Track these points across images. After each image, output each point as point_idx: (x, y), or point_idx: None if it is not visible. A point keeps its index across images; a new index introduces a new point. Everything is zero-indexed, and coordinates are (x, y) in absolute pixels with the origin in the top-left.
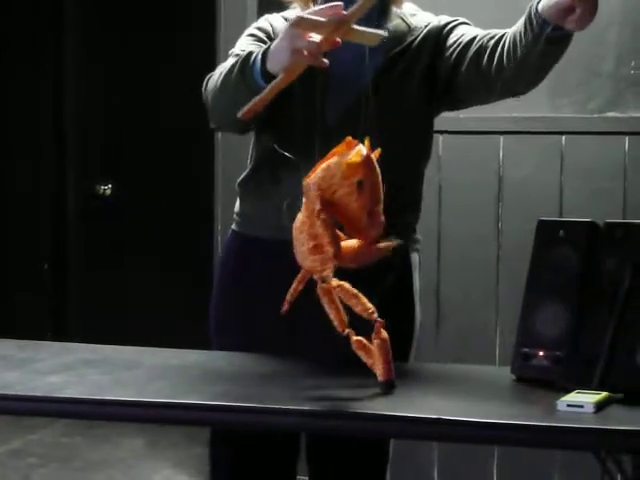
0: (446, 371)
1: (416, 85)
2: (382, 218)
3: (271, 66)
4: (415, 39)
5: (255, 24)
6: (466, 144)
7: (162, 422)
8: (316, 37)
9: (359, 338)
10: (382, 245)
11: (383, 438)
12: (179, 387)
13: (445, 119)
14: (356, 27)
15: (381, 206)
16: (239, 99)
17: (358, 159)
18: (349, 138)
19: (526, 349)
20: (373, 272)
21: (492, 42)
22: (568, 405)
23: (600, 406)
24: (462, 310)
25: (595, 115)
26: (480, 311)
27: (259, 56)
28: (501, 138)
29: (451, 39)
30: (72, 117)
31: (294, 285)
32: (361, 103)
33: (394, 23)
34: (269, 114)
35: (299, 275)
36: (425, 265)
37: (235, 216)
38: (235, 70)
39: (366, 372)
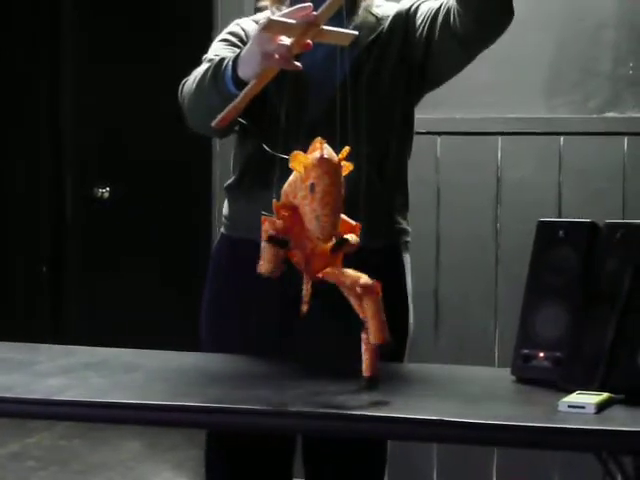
0: (445, 372)
1: (392, 71)
2: (334, 224)
3: (242, 72)
4: (384, 27)
5: (226, 29)
6: (464, 145)
7: (161, 425)
8: (286, 40)
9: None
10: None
11: (382, 440)
12: (178, 389)
13: (442, 120)
14: (327, 28)
15: (331, 211)
16: (212, 105)
17: (311, 161)
18: (318, 139)
19: (526, 350)
20: (365, 267)
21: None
22: (569, 406)
23: (601, 407)
24: (461, 311)
25: (594, 115)
26: (479, 312)
27: (230, 62)
28: (499, 139)
29: (418, 18)
30: (70, 119)
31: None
32: (342, 96)
33: (362, 17)
34: (250, 119)
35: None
36: (423, 266)
37: (224, 219)
38: (208, 76)
39: (357, 375)
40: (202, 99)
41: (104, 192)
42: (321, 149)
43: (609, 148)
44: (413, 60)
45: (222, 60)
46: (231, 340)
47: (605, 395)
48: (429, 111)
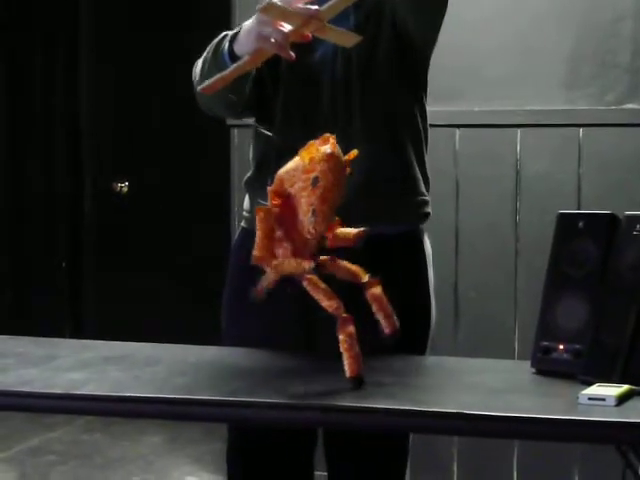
0: (465, 365)
1: (388, 45)
2: (329, 220)
3: (237, 48)
4: (376, 3)
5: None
6: (483, 138)
7: (182, 419)
8: (286, 27)
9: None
10: (346, 232)
11: (403, 433)
12: (198, 383)
13: (461, 113)
14: (330, 26)
15: (329, 208)
16: (207, 69)
17: (318, 156)
18: (327, 135)
19: (546, 342)
20: (387, 262)
21: None
22: (589, 398)
23: (622, 399)
24: (480, 304)
25: (612, 107)
26: (498, 305)
27: (229, 37)
28: (518, 131)
29: None
30: (87, 116)
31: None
32: (345, 81)
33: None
34: (262, 106)
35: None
36: (443, 259)
37: (244, 213)
38: (210, 52)
39: (377, 368)
40: (206, 75)
41: (123, 187)
42: (332, 145)
43: (628, 139)
44: (401, 32)
45: (224, 36)
46: (251, 334)
47: (625, 387)
48: (448, 103)
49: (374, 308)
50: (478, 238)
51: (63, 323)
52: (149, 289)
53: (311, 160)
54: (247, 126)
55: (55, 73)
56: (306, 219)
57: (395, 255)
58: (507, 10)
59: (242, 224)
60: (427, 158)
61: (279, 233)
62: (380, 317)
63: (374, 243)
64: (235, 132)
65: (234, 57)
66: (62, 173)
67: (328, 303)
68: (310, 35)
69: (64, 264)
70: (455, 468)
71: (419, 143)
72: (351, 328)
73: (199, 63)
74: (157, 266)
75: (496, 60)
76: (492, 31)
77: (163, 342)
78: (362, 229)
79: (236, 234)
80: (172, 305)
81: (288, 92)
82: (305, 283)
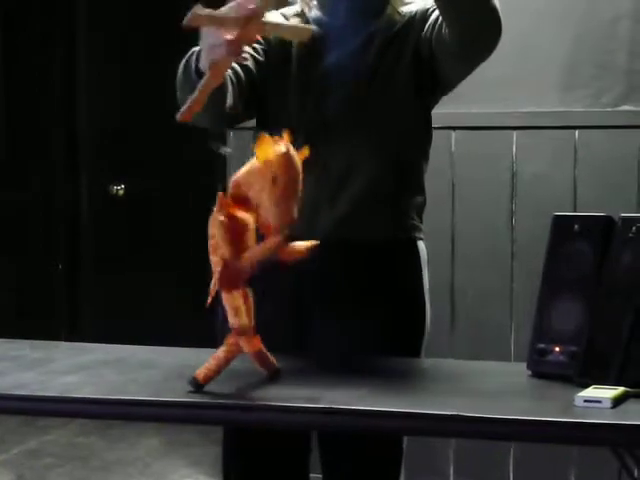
0: (461, 367)
1: (406, 70)
2: (290, 214)
3: (201, 64)
4: (403, 25)
5: None
6: (479, 140)
7: (178, 421)
8: (229, 33)
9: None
10: (298, 245)
11: (399, 435)
12: None
13: (457, 115)
14: (275, 22)
15: (293, 205)
16: (185, 93)
17: (273, 156)
18: (269, 135)
19: (542, 345)
20: (383, 264)
21: None
22: (585, 400)
23: (617, 401)
24: (476, 306)
25: (609, 109)
26: (494, 307)
27: (195, 55)
28: (514, 133)
29: (431, 19)
30: (85, 118)
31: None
32: (358, 92)
33: (388, 13)
34: (267, 118)
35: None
36: (439, 261)
37: None
38: (180, 71)
39: (374, 371)
40: (180, 92)
41: (119, 189)
42: (286, 144)
43: (624, 141)
44: (424, 60)
45: (192, 53)
46: None
47: (621, 389)
48: (444, 105)
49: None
50: (474, 240)
51: (59, 326)
52: (146, 292)
53: (267, 161)
54: (244, 128)
55: (52, 75)
56: (270, 215)
57: (390, 259)
58: (503, 12)
59: None
60: (426, 170)
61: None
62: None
63: (370, 248)
64: (232, 134)
65: (200, 73)
66: (59, 175)
67: (238, 322)
68: (257, 36)
69: (60, 266)
70: (451, 471)
71: (420, 161)
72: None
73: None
74: (154, 269)
75: (492, 62)
76: None
77: (160, 345)
78: (314, 243)
79: None
80: (169, 308)
81: (291, 101)
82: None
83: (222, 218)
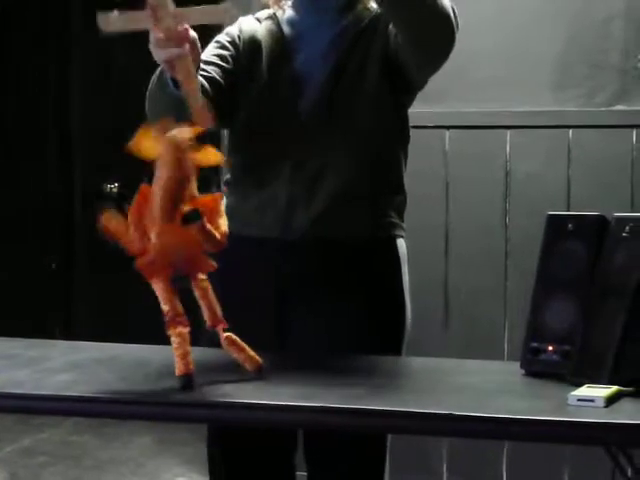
0: (455, 366)
1: (377, 66)
2: (170, 206)
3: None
4: (371, 20)
5: (226, 29)
6: (473, 139)
7: (172, 420)
8: (155, 30)
9: (229, 334)
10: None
11: (391, 434)
12: None
13: (451, 114)
14: (188, 9)
15: (171, 196)
16: (171, 111)
17: (158, 147)
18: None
19: (535, 343)
20: (361, 262)
21: None
22: (578, 399)
23: (611, 400)
24: (470, 305)
25: (602, 109)
26: (488, 305)
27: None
28: (508, 132)
29: None
30: (78, 116)
31: None
32: (329, 90)
33: (357, 9)
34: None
35: None
36: (432, 260)
37: None
38: (154, 88)
39: (366, 369)
40: (159, 108)
41: (113, 188)
42: (167, 132)
43: (618, 141)
44: (391, 57)
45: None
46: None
47: (614, 388)
48: (437, 105)
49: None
50: (468, 239)
51: (53, 325)
52: (139, 291)
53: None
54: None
55: (46, 74)
56: (154, 206)
57: (368, 257)
58: (497, 11)
59: None
60: (405, 169)
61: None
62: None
63: (347, 246)
64: (225, 133)
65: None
66: (53, 174)
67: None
68: (186, 27)
69: (54, 266)
70: (444, 469)
71: (397, 159)
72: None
73: (147, 100)
74: None
75: (486, 61)
76: (482, 32)
77: (153, 344)
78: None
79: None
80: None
81: (264, 103)
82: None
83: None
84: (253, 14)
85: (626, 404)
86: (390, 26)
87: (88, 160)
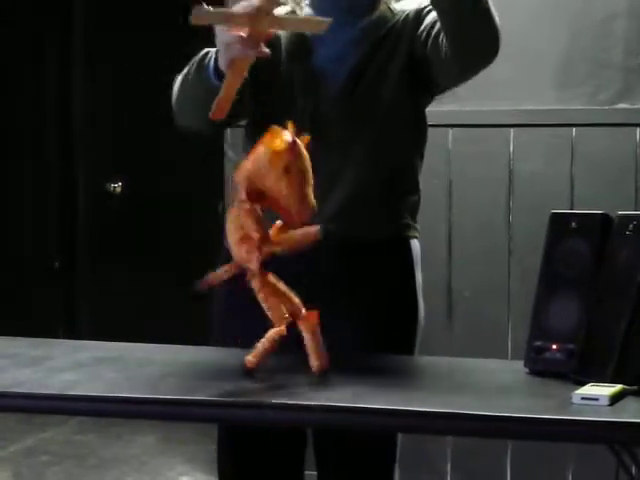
0: (458, 365)
1: (399, 69)
2: (312, 201)
3: (220, 64)
4: (396, 23)
5: None
6: (476, 137)
7: (175, 419)
8: (244, 31)
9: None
10: (311, 229)
11: (396, 432)
12: (192, 384)
13: (454, 113)
14: (287, 16)
15: (310, 190)
16: (197, 97)
17: (282, 146)
18: (274, 127)
19: (539, 342)
20: (374, 262)
21: None
22: (583, 398)
23: (615, 399)
24: (473, 304)
25: (605, 107)
26: (492, 304)
27: (212, 55)
28: (511, 131)
29: (426, 20)
30: (81, 115)
31: (220, 272)
32: (348, 90)
33: (380, 11)
34: (261, 116)
35: (228, 265)
36: (436, 259)
37: None
38: (193, 69)
39: (371, 368)
40: (188, 91)
41: (116, 187)
42: (290, 132)
43: (621, 139)
44: (417, 60)
45: (207, 53)
46: (241, 337)
47: (618, 387)
48: (440, 103)
49: (308, 343)
50: (471, 238)
51: (57, 324)
52: (142, 290)
53: (275, 152)
54: (241, 126)
55: (48, 72)
56: (292, 203)
57: (382, 258)
58: (500, 9)
59: None
60: (421, 169)
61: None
62: (311, 353)
63: (362, 246)
64: (229, 131)
65: (220, 73)
66: (55, 173)
67: (290, 303)
68: (271, 32)
69: (57, 265)
70: (448, 468)
71: (414, 160)
72: (313, 324)
73: (179, 80)
74: (150, 267)
75: None
76: None
77: (157, 342)
78: (317, 227)
79: None
80: (166, 305)
81: (281, 101)
82: (257, 284)
83: (248, 206)
84: None
85: (630, 402)
86: (418, 31)
87: (91, 159)
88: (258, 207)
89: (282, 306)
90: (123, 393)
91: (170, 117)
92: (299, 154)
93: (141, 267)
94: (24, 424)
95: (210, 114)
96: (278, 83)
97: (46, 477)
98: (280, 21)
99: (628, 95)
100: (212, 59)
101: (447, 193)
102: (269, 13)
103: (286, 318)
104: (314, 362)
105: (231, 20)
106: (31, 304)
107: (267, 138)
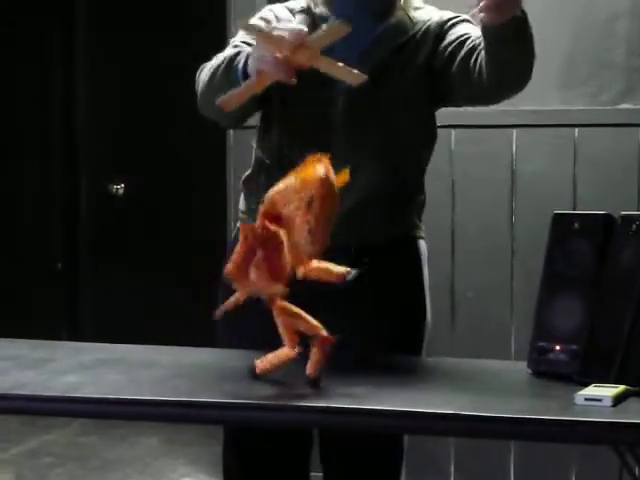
0: (462, 366)
1: (415, 78)
2: (324, 239)
3: (249, 67)
4: (416, 33)
5: (258, 14)
6: (478, 138)
7: (178, 421)
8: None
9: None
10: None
11: (398, 434)
12: (194, 386)
13: (456, 113)
14: (327, 58)
15: (327, 228)
16: (221, 92)
17: (313, 177)
18: (313, 156)
19: (542, 343)
20: (384, 263)
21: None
22: (586, 399)
23: (618, 400)
24: (476, 304)
25: (608, 107)
26: (495, 305)
27: (244, 57)
28: (514, 131)
29: (449, 36)
30: (84, 117)
31: (233, 299)
32: (363, 93)
33: (397, 17)
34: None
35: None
36: (439, 260)
37: (240, 214)
38: (222, 66)
39: (375, 369)
40: (213, 86)
41: (119, 188)
42: (326, 167)
43: (624, 139)
44: (434, 74)
45: (238, 53)
46: (248, 334)
47: (622, 388)
48: None
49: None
50: (474, 238)
51: (60, 326)
52: (145, 291)
53: (304, 181)
54: (243, 128)
55: (51, 73)
56: (302, 238)
57: (391, 258)
58: None
59: (238, 225)
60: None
61: (259, 255)
62: (312, 359)
63: (370, 247)
64: (231, 133)
65: (247, 75)
66: (58, 174)
67: (308, 326)
68: (304, 63)
69: (60, 266)
70: (452, 469)
71: (422, 162)
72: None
73: (206, 70)
74: (153, 268)
75: None
76: None
77: (159, 343)
78: (349, 270)
79: (232, 235)
80: (169, 307)
81: (295, 101)
82: (275, 310)
83: (245, 231)
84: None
85: (633, 403)
86: (440, 46)
87: (93, 160)
88: (276, 229)
89: (295, 331)
90: (126, 395)
91: (173, 118)
92: (327, 193)
93: (143, 268)
94: (27, 426)
95: (217, 101)
96: (294, 85)
97: (49, 479)
98: (318, 59)
99: (631, 95)
100: (242, 62)
101: (450, 194)
102: (311, 49)
103: (299, 344)
104: (310, 370)
105: (274, 42)
106: (34, 305)
107: (305, 165)
